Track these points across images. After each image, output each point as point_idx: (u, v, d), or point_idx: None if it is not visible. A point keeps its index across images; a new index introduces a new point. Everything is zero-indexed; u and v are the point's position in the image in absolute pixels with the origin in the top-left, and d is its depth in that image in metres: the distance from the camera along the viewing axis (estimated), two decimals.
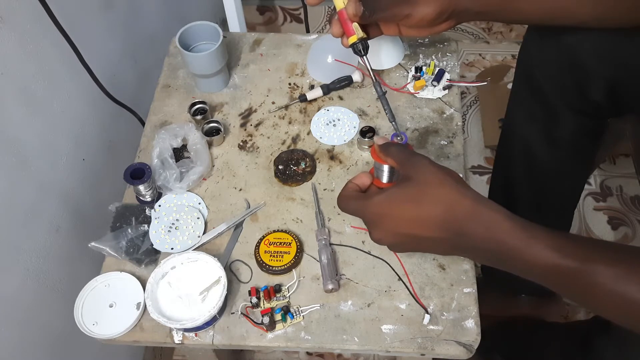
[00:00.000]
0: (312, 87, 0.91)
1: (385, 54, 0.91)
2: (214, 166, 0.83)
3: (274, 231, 0.75)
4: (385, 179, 0.64)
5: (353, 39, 0.69)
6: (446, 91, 0.88)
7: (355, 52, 0.70)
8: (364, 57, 0.70)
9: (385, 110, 0.67)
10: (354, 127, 0.86)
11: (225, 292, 0.67)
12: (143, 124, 0.98)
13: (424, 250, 0.59)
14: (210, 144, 0.84)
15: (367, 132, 0.82)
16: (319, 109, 0.88)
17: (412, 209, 0.54)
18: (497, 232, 0.51)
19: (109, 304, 0.70)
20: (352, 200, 0.61)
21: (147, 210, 0.78)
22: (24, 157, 0.74)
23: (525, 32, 0.84)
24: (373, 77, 0.68)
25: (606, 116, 0.84)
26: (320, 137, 0.85)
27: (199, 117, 0.86)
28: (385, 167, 0.63)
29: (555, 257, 0.49)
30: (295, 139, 0.86)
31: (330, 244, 0.74)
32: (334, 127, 0.86)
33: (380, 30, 0.74)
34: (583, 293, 0.50)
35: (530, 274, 0.51)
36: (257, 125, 0.88)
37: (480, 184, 1.41)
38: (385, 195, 0.56)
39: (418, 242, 0.57)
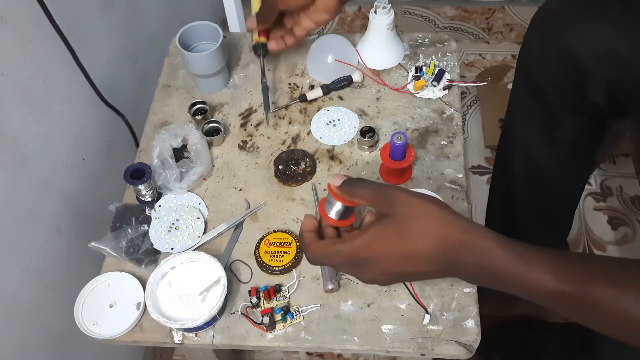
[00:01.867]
0: (312, 87, 0.91)
1: (385, 54, 0.91)
2: (214, 166, 0.83)
3: (274, 231, 0.75)
4: (338, 217, 0.59)
5: (255, 40, 0.85)
6: (446, 91, 0.88)
7: (255, 53, 0.87)
8: (261, 57, 0.86)
9: (264, 103, 0.85)
10: (354, 127, 0.86)
11: (225, 292, 0.67)
12: (131, 129, 0.98)
13: (418, 280, 0.57)
14: (210, 144, 0.84)
15: (367, 132, 0.82)
16: (319, 109, 0.88)
17: (400, 246, 0.52)
18: (492, 260, 0.50)
19: (109, 304, 0.70)
20: (330, 254, 0.55)
21: (147, 210, 0.78)
22: (24, 157, 0.74)
23: (525, 32, 0.84)
24: (263, 69, 0.86)
25: (606, 117, 0.84)
26: (320, 137, 0.85)
27: (199, 117, 0.86)
28: (340, 205, 0.58)
29: (553, 282, 0.48)
30: (295, 139, 0.86)
31: None
32: (334, 127, 0.86)
33: (294, 36, 0.83)
34: (585, 315, 0.50)
35: (531, 297, 0.50)
36: (257, 125, 0.88)
37: (480, 184, 1.41)
38: (367, 237, 0.53)
39: (411, 276, 0.55)
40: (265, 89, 0.86)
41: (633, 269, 0.49)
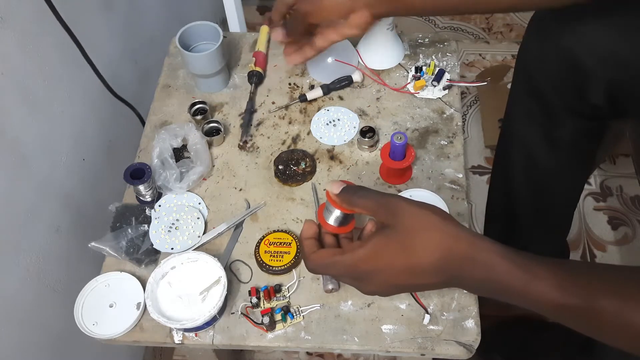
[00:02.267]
0: (312, 87, 0.91)
1: (385, 54, 0.91)
2: (214, 166, 0.83)
3: (274, 231, 0.75)
4: (337, 224, 0.58)
5: (251, 68, 0.90)
6: (446, 91, 0.88)
7: (248, 80, 0.90)
8: (252, 85, 0.89)
9: (245, 126, 0.85)
10: (354, 127, 0.86)
11: (225, 292, 0.67)
12: (142, 122, 0.98)
13: (420, 291, 0.59)
14: (210, 144, 0.84)
15: (367, 132, 0.82)
16: (319, 109, 0.88)
17: (402, 259, 0.51)
18: (496, 274, 0.49)
19: (109, 304, 0.70)
20: (329, 265, 0.54)
21: (147, 210, 0.78)
22: (24, 157, 0.74)
23: (525, 32, 0.84)
24: (251, 96, 0.88)
25: (606, 117, 0.84)
26: (320, 137, 0.85)
27: (199, 117, 0.86)
28: (339, 212, 0.57)
29: (558, 297, 0.48)
30: (295, 139, 0.86)
31: None
32: (334, 127, 0.86)
33: (314, 48, 0.78)
34: (589, 326, 0.49)
35: (535, 310, 0.50)
36: (257, 125, 0.88)
37: (480, 184, 1.41)
38: (368, 249, 0.52)
39: (414, 287, 0.56)
40: (249, 113, 0.87)
41: (636, 278, 0.48)
